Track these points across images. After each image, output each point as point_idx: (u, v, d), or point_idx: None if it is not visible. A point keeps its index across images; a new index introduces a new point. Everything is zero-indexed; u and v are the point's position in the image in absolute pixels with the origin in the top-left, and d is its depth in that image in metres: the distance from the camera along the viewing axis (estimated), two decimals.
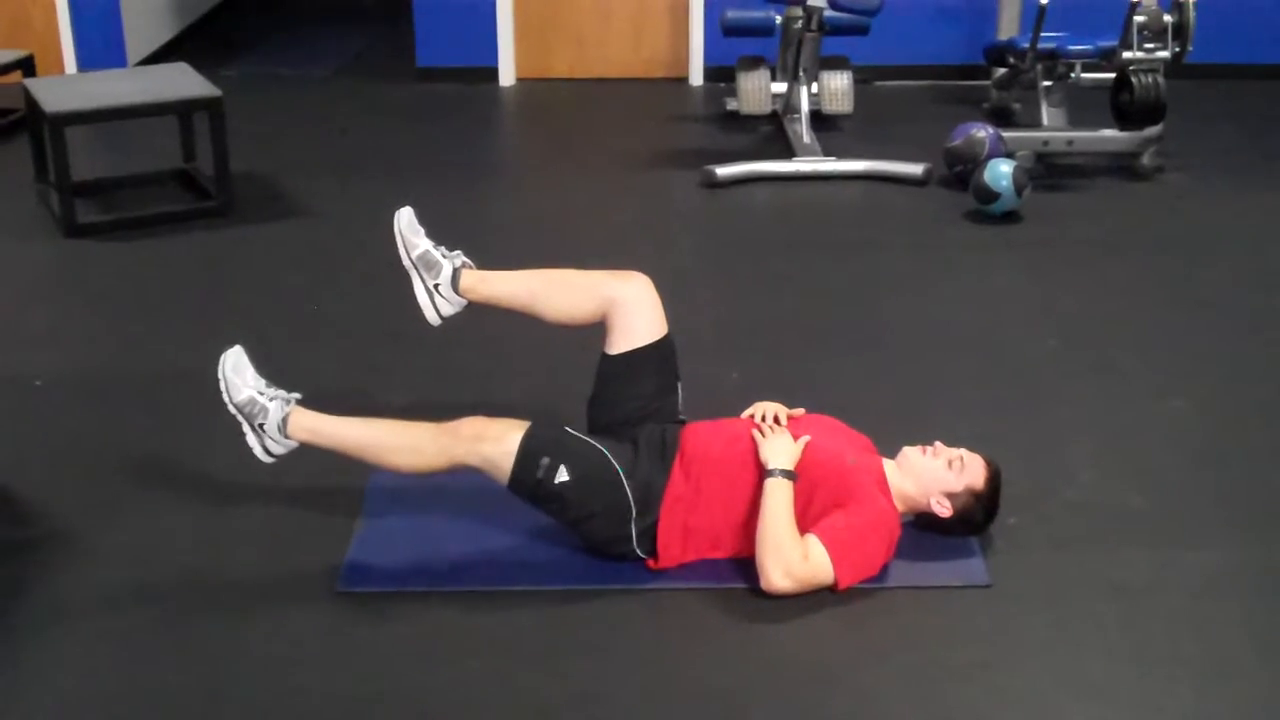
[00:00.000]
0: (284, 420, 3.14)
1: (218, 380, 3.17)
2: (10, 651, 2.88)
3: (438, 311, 3.36)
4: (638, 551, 3.09)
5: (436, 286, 3.34)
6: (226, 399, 3.17)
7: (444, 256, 3.35)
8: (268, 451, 3.19)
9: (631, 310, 3.23)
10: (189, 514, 3.38)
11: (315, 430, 3.16)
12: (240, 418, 3.17)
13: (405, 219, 3.40)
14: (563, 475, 3.03)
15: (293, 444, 3.18)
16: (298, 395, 3.21)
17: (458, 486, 3.28)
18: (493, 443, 3.06)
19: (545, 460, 3.03)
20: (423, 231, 3.39)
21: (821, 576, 2.99)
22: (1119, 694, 2.76)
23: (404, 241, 3.37)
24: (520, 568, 3.15)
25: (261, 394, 3.16)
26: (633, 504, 3.06)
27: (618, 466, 3.08)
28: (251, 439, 3.18)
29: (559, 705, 2.74)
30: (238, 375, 3.17)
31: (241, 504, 3.41)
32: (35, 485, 3.50)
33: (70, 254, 5.09)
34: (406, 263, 3.36)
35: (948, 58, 7.26)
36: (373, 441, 3.16)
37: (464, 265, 3.36)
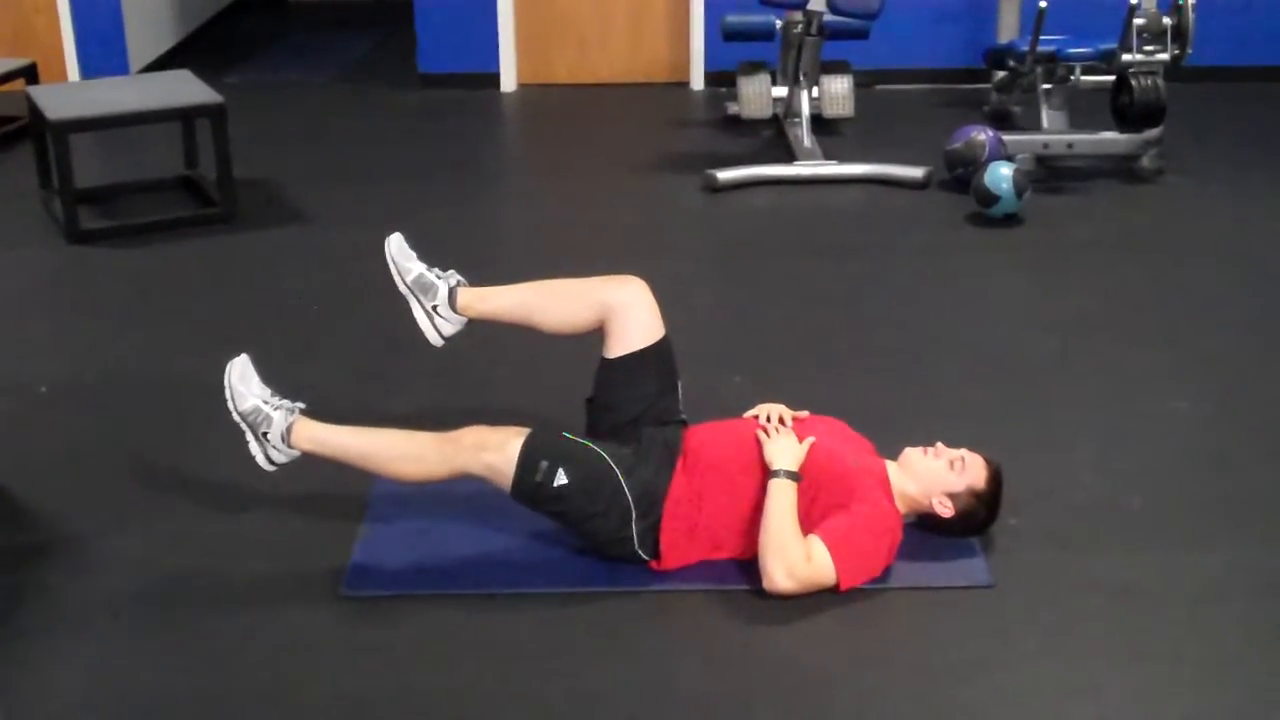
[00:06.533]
0: (288, 430, 3.17)
1: (223, 389, 3.20)
2: (15, 656, 2.89)
3: (439, 332, 3.37)
4: (640, 553, 3.10)
5: (435, 308, 3.35)
6: (231, 407, 3.19)
7: (438, 278, 3.36)
8: (270, 460, 3.21)
9: (628, 314, 3.25)
10: (193, 519, 3.39)
11: (318, 440, 3.19)
12: (244, 426, 3.20)
13: (395, 245, 3.41)
14: (561, 478, 3.06)
15: (295, 453, 3.21)
16: (302, 405, 3.24)
17: (460, 491, 3.28)
18: (494, 451, 3.09)
19: (544, 464, 3.06)
20: (415, 255, 3.40)
21: (824, 577, 3.00)
22: (1120, 695, 2.77)
23: (397, 268, 3.38)
24: (522, 570, 3.16)
25: (266, 403, 3.19)
26: (633, 505, 3.07)
27: (616, 469, 3.09)
28: (254, 447, 3.21)
29: (561, 707, 2.74)
30: (244, 384, 3.20)
31: (245, 509, 3.42)
32: (40, 491, 3.51)
33: (74, 261, 5.10)
34: (402, 288, 3.37)
35: (948, 61, 7.27)
36: (375, 451, 3.18)
37: (459, 284, 3.38)
